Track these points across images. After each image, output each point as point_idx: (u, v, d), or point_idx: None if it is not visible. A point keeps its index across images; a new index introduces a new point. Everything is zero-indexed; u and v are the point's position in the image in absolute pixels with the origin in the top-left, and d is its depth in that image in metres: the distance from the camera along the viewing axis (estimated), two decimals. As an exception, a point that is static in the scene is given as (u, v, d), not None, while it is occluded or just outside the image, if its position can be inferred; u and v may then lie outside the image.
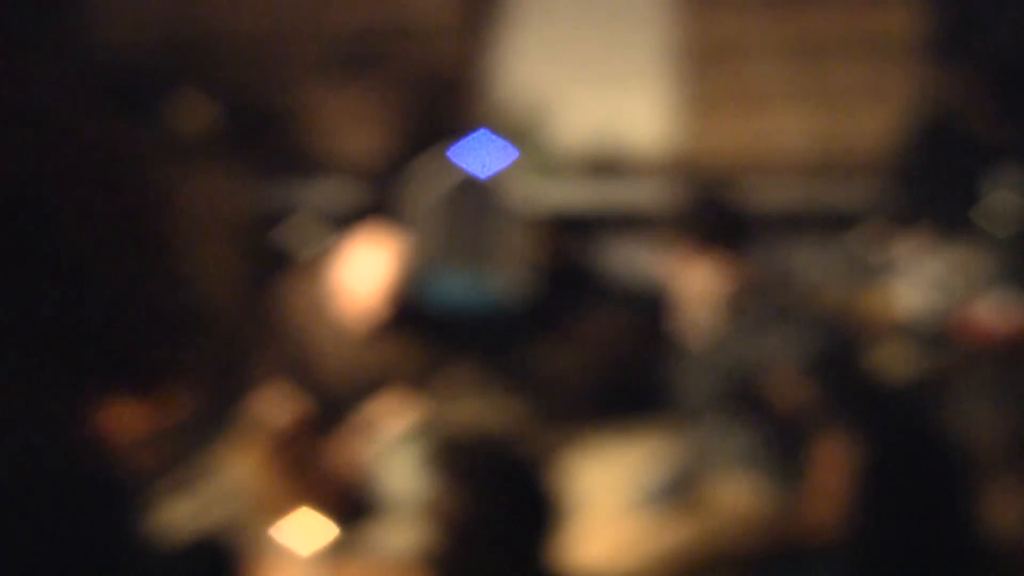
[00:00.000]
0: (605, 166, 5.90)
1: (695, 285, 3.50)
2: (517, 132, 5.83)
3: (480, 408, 4.67)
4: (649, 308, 4.75)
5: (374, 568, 3.29)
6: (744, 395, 3.35)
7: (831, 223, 5.48)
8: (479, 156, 5.22)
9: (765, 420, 3.32)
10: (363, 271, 3.86)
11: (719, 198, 3.66)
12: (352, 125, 6.07)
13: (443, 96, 6.02)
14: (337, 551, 3.31)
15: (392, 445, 3.82)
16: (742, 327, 3.43)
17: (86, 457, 2.60)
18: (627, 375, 4.91)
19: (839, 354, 3.19)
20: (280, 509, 3.62)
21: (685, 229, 3.50)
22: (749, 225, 3.56)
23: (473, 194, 5.14)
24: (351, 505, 3.70)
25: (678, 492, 3.49)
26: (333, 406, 4.00)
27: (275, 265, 4.75)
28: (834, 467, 3.05)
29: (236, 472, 4.04)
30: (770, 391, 3.23)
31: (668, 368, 3.65)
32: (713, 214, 3.54)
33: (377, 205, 5.20)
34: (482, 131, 5.58)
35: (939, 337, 4.32)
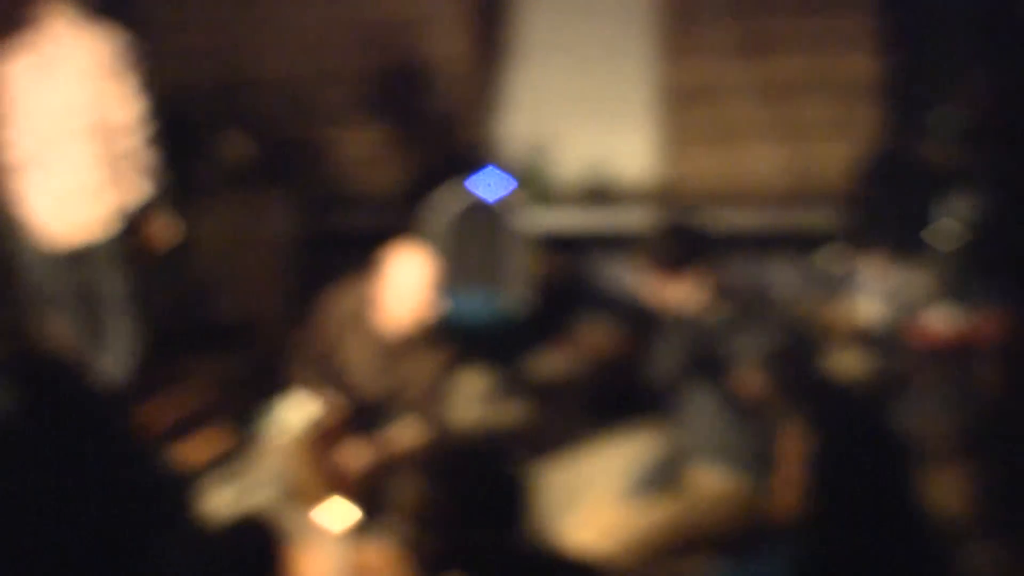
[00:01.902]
0: (598, 194, 5.92)
1: (671, 299, 3.56)
2: (521, 166, 5.87)
3: (485, 411, 4.72)
4: (636, 318, 4.77)
5: (388, 550, 3.33)
6: (712, 382, 3.39)
7: (799, 244, 5.48)
8: (488, 188, 5.26)
9: (734, 410, 3.36)
10: (400, 289, 3.89)
11: (684, 228, 3.69)
12: (375, 159, 6.11)
13: (456, 134, 6.06)
14: (360, 534, 3.36)
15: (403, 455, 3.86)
16: (714, 326, 3.47)
17: (143, 450, 2.66)
18: (618, 379, 4.94)
19: (797, 353, 3.22)
20: (315, 495, 3.67)
21: (657, 257, 3.55)
22: (713, 246, 3.60)
23: (483, 221, 5.16)
24: (373, 495, 3.74)
25: (663, 482, 3.52)
26: (365, 407, 4.04)
27: (313, 281, 4.80)
28: (796, 456, 3.08)
29: (278, 463, 4.09)
30: (736, 381, 3.27)
31: (650, 353, 3.67)
32: (679, 243, 3.57)
33: (401, 231, 5.25)
34: (490, 166, 5.62)
35: (893, 343, 4.34)
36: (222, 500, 3.92)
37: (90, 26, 4.05)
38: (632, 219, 5.40)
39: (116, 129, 4.04)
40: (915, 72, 5.15)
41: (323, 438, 3.87)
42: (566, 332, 5.61)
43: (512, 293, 5.05)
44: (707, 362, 3.41)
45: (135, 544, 2.41)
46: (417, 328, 3.95)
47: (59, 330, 4.22)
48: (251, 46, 6.01)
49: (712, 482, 3.38)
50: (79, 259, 4.10)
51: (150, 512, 2.51)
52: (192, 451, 4.31)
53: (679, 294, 3.54)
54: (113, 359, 4.21)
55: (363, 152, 6.10)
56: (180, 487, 2.84)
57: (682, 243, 3.56)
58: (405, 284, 3.87)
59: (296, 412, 4.02)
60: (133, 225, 4.15)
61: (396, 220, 5.40)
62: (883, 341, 4.39)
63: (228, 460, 4.31)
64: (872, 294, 4.57)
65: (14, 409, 2.40)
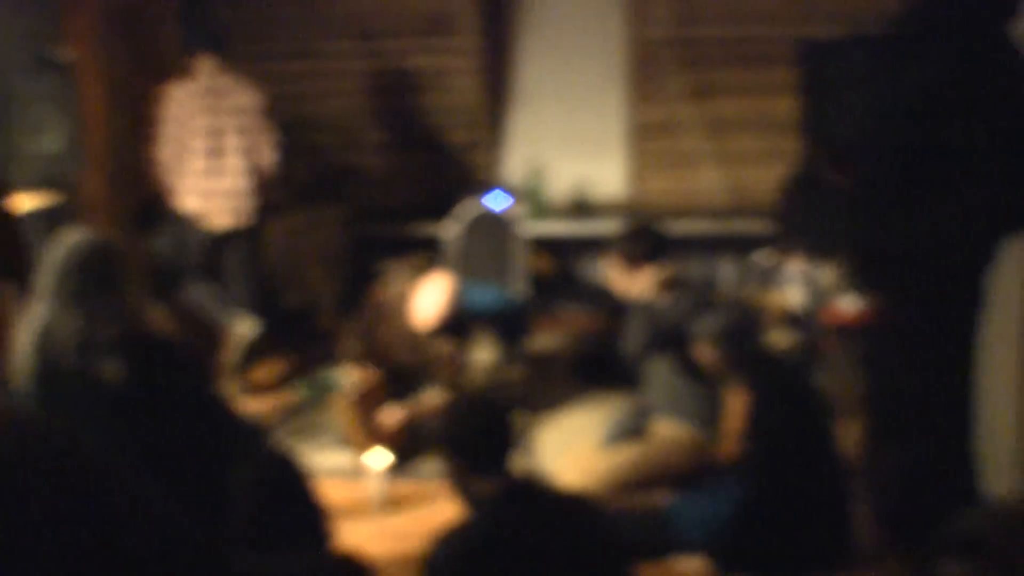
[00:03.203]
0: (580, 208, 5.91)
1: (636, 289, 3.56)
2: (521, 186, 5.86)
3: (494, 376, 4.72)
4: (610, 305, 4.76)
5: (415, 487, 3.33)
6: (670, 353, 3.38)
7: (738, 247, 5.48)
8: (495, 203, 5.25)
9: (687, 375, 3.35)
10: (427, 295, 3.95)
11: (644, 232, 3.67)
12: (407, 180, 6.10)
13: (471, 160, 6.05)
14: (393, 473, 3.36)
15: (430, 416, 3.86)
16: (670, 309, 3.46)
17: (226, 409, 2.64)
18: (596, 352, 4.94)
19: (740, 330, 3.20)
20: (360, 443, 3.68)
21: (624, 256, 3.54)
22: (668, 247, 3.59)
23: (491, 229, 5.15)
24: (403, 444, 3.75)
25: (632, 432, 3.52)
26: (398, 378, 4.06)
27: (359, 278, 4.81)
28: (737, 412, 3.07)
29: (332, 418, 4.09)
30: (694, 353, 3.26)
31: (621, 332, 3.66)
32: (641, 245, 3.56)
33: (427, 238, 5.26)
34: (497, 186, 5.62)
35: (811, 323, 4.34)
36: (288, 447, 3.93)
37: (232, 74, 4.42)
38: (607, 228, 5.38)
39: (258, 150, 4.42)
40: (825, 112, 5.11)
41: (366, 400, 3.88)
42: (556, 316, 5.63)
43: (514, 285, 5.06)
44: (665, 338, 3.41)
45: (219, 483, 2.42)
46: (438, 324, 4.00)
47: (158, 315, 4.24)
48: (311, 92, 6.01)
49: (670, 432, 3.39)
50: (228, 240, 4.44)
51: (231, 458, 2.52)
52: (265, 408, 4.33)
53: (642, 285, 3.54)
54: (241, 316, 4.48)
55: (398, 175, 6.10)
56: (254, 438, 2.86)
57: (643, 245, 3.56)
58: (429, 295, 3.94)
59: (346, 379, 4.03)
60: (262, 220, 4.53)
61: (424, 229, 5.42)
62: (804, 321, 4.39)
63: (293, 416, 4.33)
64: (795, 285, 4.57)
65: (126, 380, 2.41)
